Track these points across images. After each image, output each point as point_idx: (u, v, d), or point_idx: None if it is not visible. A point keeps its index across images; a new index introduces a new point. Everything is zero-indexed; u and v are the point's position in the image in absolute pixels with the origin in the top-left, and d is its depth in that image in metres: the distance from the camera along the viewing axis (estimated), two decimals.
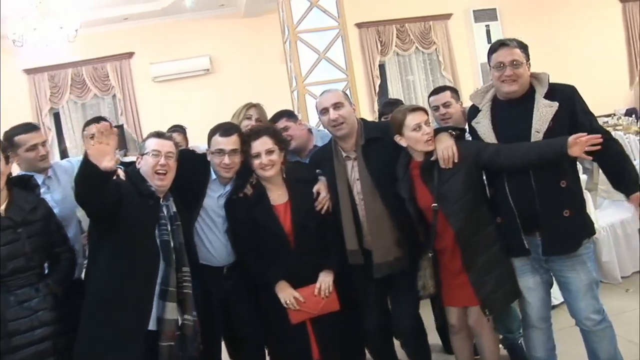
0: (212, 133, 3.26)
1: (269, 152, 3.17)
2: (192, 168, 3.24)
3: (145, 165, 2.98)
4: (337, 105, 3.22)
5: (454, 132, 3.11)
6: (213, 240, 3.28)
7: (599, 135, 2.77)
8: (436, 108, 3.91)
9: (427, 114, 3.15)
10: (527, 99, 2.98)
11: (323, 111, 3.27)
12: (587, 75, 8.89)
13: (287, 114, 3.93)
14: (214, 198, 3.30)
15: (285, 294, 3.15)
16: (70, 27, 7.05)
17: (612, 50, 10.89)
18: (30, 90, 9.21)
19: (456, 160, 3.01)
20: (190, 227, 3.18)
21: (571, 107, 2.94)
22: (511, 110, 3.01)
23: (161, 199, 2.98)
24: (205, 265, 3.23)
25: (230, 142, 3.19)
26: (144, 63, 9.36)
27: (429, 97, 4.07)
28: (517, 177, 2.95)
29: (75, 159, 3.64)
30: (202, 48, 9.45)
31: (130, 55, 9.43)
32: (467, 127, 3.26)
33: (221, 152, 3.19)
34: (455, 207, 3.01)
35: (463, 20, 10.34)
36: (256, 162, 3.17)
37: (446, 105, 3.87)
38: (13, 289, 2.73)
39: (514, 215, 2.98)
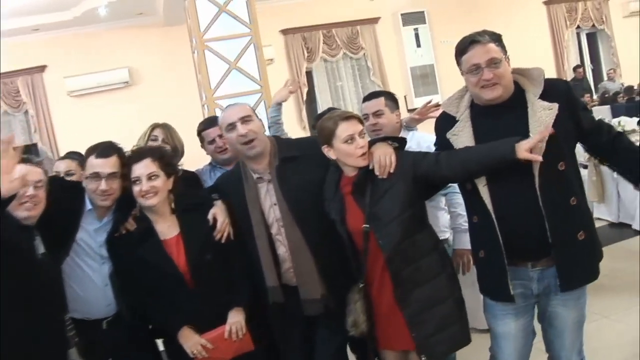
0: (88, 154, 2.83)
1: (152, 177, 2.75)
2: (62, 196, 2.79)
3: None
4: (245, 119, 2.80)
5: (392, 143, 2.72)
6: (88, 286, 2.82)
7: (549, 131, 2.36)
8: (366, 117, 3.38)
9: (362, 124, 2.74)
10: (515, 102, 2.51)
11: (229, 127, 2.82)
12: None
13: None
14: (90, 232, 2.85)
15: (191, 342, 2.73)
16: None
17: (539, 52, 10.97)
18: None
19: (392, 171, 2.61)
20: (58, 270, 2.74)
21: (572, 105, 2.50)
22: (498, 118, 2.52)
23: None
24: (77, 320, 2.75)
25: (107, 165, 2.76)
26: (57, 77, 8.91)
27: (362, 102, 3.60)
28: (509, 195, 2.48)
29: None
30: (120, 60, 9.05)
31: (42, 68, 8.96)
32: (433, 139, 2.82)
33: (97, 176, 2.75)
34: (388, 229, 2.61)
35: (391, 24, 10.23)
36: (136, 188, 2.75)
37: (377, 114, 3.36)
38: None
39: (498, 248, 2.51)
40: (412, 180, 2.60)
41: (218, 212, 2.87)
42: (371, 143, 2.74)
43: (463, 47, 2.48)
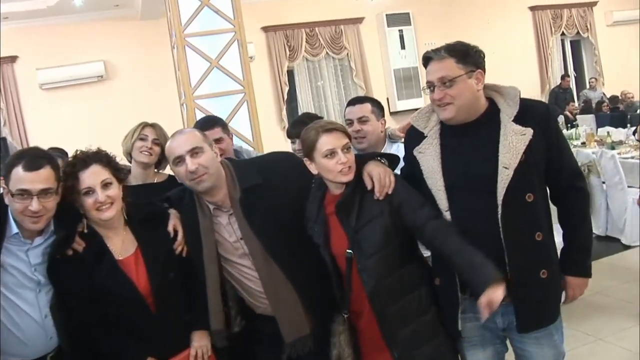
0: (12, 164, 2.28)
1: (106, 185, 2.38)
2: None
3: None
4: (194, 152, 2.47)
5: (383, 161, 2.48)
6: (22, 320, 2.33)
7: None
8: (350, 122, 3.15)
9: (348, 137, 2.47)
10: (487, 122, 2.31)
11: (177, 160, 2.49)
12: (501, 81, 8.70)
13: (222, 123, 3.27)
14: (18, 254, 2.34)
15: None
16: None
17: (523, 56, 10.94)
18: None
19: (389, 192, 2.37)
20: None
21: (549, 133, 2.30)
22: (466, 139, 2.33)
23: None
24: None
25: (39, 179, 2.25)
26: (29, 68, 8.55)
27: (346, 107, 3.33)
28: (470, 225, 2.29)
29: None
30: (95, 52, 8.73)
31: (13, 59, 8.59)
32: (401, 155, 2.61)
33: (25, 193, 2.23)
34: (370, 262, 2.37)
35: (375, 24, 10.06)
36: (89, 200, 2.35)
37: (362, 120, 3.12)
38: None
39: (453, 278, 2.36)
40: (397, 215, 2.37)
41: (178, 223, 2.58)
42: (361, 158, 2.53)
43: (424, 62, 2.33)
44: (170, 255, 2.52)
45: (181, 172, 2.50)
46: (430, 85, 2.28)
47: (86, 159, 2.41)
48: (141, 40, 8.72)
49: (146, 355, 2.44)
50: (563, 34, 11.69)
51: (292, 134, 3.34)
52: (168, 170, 3.22)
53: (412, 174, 2.46)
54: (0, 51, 8.31)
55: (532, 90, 10.77)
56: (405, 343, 2.38)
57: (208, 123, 3.23)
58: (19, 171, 2.24)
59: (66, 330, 2.41)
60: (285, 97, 9.30)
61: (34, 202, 2.22)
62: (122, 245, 2.46)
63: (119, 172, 2.47)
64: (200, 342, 2.54)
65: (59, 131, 7.77)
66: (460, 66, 2.24)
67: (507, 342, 2.50)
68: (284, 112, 9.12)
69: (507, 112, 2.28)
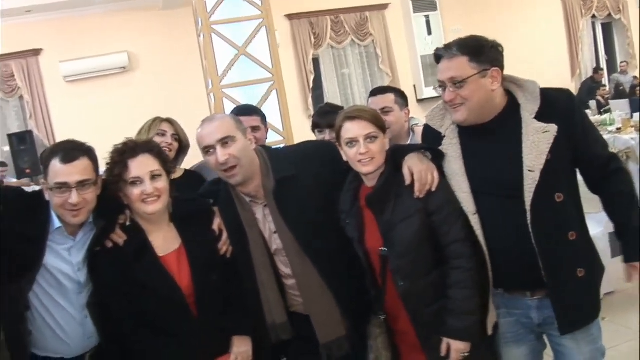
0: (48, 158, 2.23)
1: (155, 176, 2.26)
2: (20, 214, 2.23)
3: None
4: (226, 142, 2.33)
5: (427, 154, 2.31)
6: (63, 319, 2.28)
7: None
8: None
9: (375, 125, 2.30)
10: (507, 120, 2.15)
11: (207, 150, 2.36)
12: (529, 67, 8.40)
13: (262, 115, 3.17)
14: (61, 254, 2.28)
15: None
16: None
17: (553, 41, 10.68)
18: None
19: (433, 189, 2.22)
20: (19, 306, 2.21)
21: (573, 125, 2.13)
22: (486, 140, 2.17)
23: None
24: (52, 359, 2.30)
25: (77, 171, 2.19)
26: (53, 61, 8.50)
27: (369, 97, 3.26)
28: (499, 228, 2.17)
29: None
30: (118, 44, 8.66)
31: (37, 52, 8.56)
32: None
33: (64, 186, 2.18)
34: (402, 263, 2.24)
35: (401, 10, 9.86)
36: (136, 192, 2.23)
37: (385, 111, 3.01)
38: None
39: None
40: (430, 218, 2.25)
41: (222, 223, 2.44)
42: (400, 150, 2.39)
43: (435, 60, 2.20)
44: (214, 255, 2.39)
45: (212, 162, 2.38)
46: (442, 84, 2.14)
47: (136, 147, 2.29)
48: (164, 30, 8.64)
49: (183, 358, 2.34)
50: (594, 16, 11.37)
51: (321, 124, 3.23)
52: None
53: None
54: (25, 44, 8.35)
55: (562, 76, 10.52)
56: (441, 347, 2.24)
57: (248, 110, 3.14)
58: (56, 164, 2.18)
59: (104, 329, 2.32)
60: (311, 85, 9.15)
61: (72, 195, 2.16)
62: (164, 241, 2.34)
63: (169, 165, 2.36)
64: (240, 348, 2.40)
65: (84, 123, 7.75)
66: (473, 65, 2.09)
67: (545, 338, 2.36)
68: (310, 100, 8.99)
69: (528, 108, 2.13)
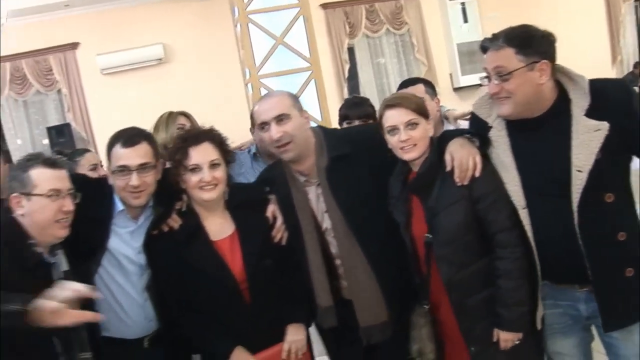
0: (111, 143, 2.38)
1: (214, 165, 2.32)
2: (85, 199, 2.28)
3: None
4: (281, 119, 2.37)
5: (472, 139, 2.27)
6: (125, 301, 2.39)
7: None
8: None
9: (415, 111, 2.30)
10: (557, 115, 2.06)
11: (262, 126, 2.43)
12: (569, 54, 8.25)
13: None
14: (124, 237, 2.40)
15: None
16: None
17: (593, 28, 10.41)
18: None
19: (477, 174, 2.17)
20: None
21: (628, 119, 2.00)
22: (533, 135, 2.09)
23: (44, 254, 2.12)
24: (114, 339, 2.38)
25: (137, 154, 2.33)
26: (90, 54, 8.55)
27: (397, 90, 3.29)
28: (547, 226, 2.10)
29: None
30: (154, 36, 8.65)
31: (74, 45, 8.61)
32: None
33: (125, 169, 2.31)
34: (446, 250, 2.21)
35: None
36: (194, 179, 2.31)
37: None
38: None
39: (535, 275, 2.20)
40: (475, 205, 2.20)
41: (277, 210, 2.46)
42: (447, 135, 2.34)
43: (482, 51, 2.12)
44: (267, 241, 2.41)
45: (266, 138, 2.44)
46: (487, 75, 2.07)
47: (199, 135, 2.37)
48: (199, 20, 8.61)
49: (234, 345, 2.33)
50: None
51: (351, 116, 3.24)
52: None
53: None
54: (62, 38, 8.42)
55: (602, 61, 10.27)
56: (484, 338, 2.21)
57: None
58: (118, 149, 2.34)
59: (161, 312, 2.42)
60: (347, 74, 9.08)
61: (133, 177, 2.30)
62: (218, 226, 2.39)
63: (228, 155, 2.42)
64: (294, 336, 2.40)
65: (121, 115, 7.77)
66: (521, 57, 2.01)
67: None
68: (345, 90, 8.92)
69: (579, 104, 2.03)
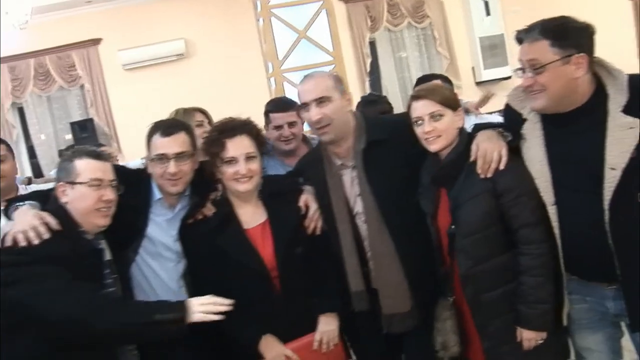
0: (151, 133, 2.49)
1: (250, 158, 2.36)
2: (127, 188, 2.37)
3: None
4: (321, 101, 2.40)
5: (505, 133, 2.25)
6: (160, 288, 2.44)
7: None
8: None
9: (440, 103, 2.30)
10: (593, 110, 2.01)
11: (303, 106, 2.48)
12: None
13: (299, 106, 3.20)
14: (161, 225, 2.47)
15: (274, 353, 2.31)
16: (17, 12, 6.26)
17: (620, 24, 10.21)
18: None
19: (502, 167, 2.15)
20: (127, 274, 2.38)
21: None
22: (568, 130, 2.04)
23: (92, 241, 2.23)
24: None
25: (175, 144, 2.42)
26: (112, 50, 8.60)
27: (414, 87, 3.29)
28: (576, 224, 2.07)
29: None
30: (175, 31, 8.66)
31: (97, 41, 8.66)
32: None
33: (163, 157, 2.40)
34: (465, 243, 2.19)
35: None
36: (230, 170, 2.34)
37: None
38: None
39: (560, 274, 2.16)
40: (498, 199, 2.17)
41: (310, 199, 2.48)
42: (479, 127, 2.31)
43: (517, 43, 2.06)
44: (299, 230, 2.42)
45: (306, 117, 2.48)
46: (521, 67, 2.02)
47: (235, 127, 2.39)
48: (220, 15, 8.61)
49: (263, 333, 2.33)
50: None
51: (364, 113, 3.23)
52: None
53: None
54: (85, 34, 8.47)
55: (629, 58, 10.11)
56: (498, 334, 2.20)
57: (284, 105, 3.15)
58: (157, 138, 2.44)
59: None
60: (368, 69, 9.03)
61: (171, 165, 2.38)
62: (250, 215, 2.43)
63: (263, 147, 2.46)
64: (326, 327, 2.39)
65: (143, 110, 7.77)
66: (556, 50, 1.95)
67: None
68: (367, 84, 8.88)
69: (616, 99, 1.97)
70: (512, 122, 2.25)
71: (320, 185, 2.49)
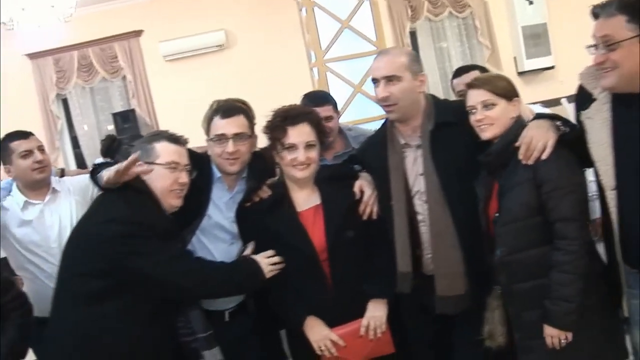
0: (211, 115, 2.60)
1: (309, 146, 2.41)
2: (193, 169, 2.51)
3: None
4: (390, 80, 2.41)
5: (562, 127, 2.21)
6: None
7: None
8: (462, 92, 3.12)
9: (492, 92, 2.29)
10: None
11: (374, 81, 2.50)
12: None
13: (333, 102, 3.22)
14: (220, 206, 2.57)
15: (319, 336, 2.33)
16: (63, 5, 6.36)
17: None
18: (35, 76, 8.65)
19: (544, 157, 2.12)
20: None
21: None
22: (637, 113, 1.97)
23: None
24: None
25: (234, 124, 2.53)
26: (153, 41, 8.69)
27: (452, 79, 3.36)
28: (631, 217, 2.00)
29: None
30: (215, 22, 8.71)
31: (138, 33, 8.76)
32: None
33: (222, 137, 2.52)
34: (503, 231, 2.18)
35: None
36: (289, 157, 2.40)
37: None
38: None
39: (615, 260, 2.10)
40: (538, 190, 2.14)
41: (365, 185, 2.48)
42: (537, 116, 2.28)
43: (593, 18, 1.98)
44: (352, 215, 2.43)
45: (376, 93, 2.50)
46: (595, 43, 1.96)
47: (298, 115, 2.44)
48: (261, 6, 8.59)
49: (309, 314, 2.36)
50: None
51: None
52: None
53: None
54: (126, 26, 8.56)
55: None
56: (529, 327, 2.17)
57: (320, 99, 3.16)
58: (217, 120, 2.56)
59: None
60: None
61: (229, 144, 2.50)
62: (304, 198, 2.47)
63: (324, 136, 2.50)
64: (374, 312, 2.39)
65: (183, 101, 7.88)
66: (632, 26, 1.88)
67: None
68: None
69: None
70: (581, 102, 2.17)
71: (381, 161, 2.50)
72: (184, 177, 2.36)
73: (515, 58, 9.25)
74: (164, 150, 2.35)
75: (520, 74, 9.12)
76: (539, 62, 9.16)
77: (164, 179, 2.33)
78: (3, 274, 2.39)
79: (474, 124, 2.30)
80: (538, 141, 2.13)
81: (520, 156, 2.15)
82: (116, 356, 2.15)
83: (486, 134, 2.28)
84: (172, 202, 2.35)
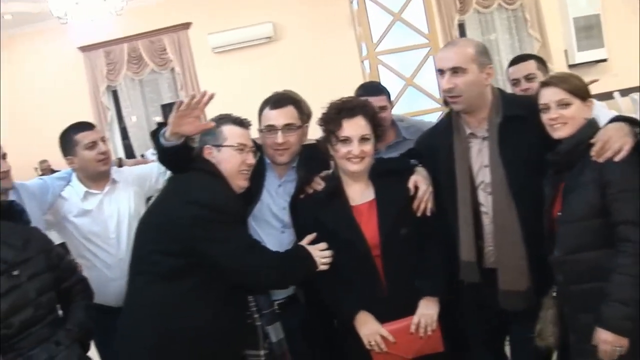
0: (262, 106, 2.61)
1: (364, 139, 2.37)
2: None
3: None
4: (455, 71, 2.36)
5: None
6: None
7: None
8: (516, 82, 3.15)
9: (568, 91, 2.24)
10: None
11: (439, 72, 2.45)
12: None
13: (387, 93, 3.18)
14: (271, 192, 2.60)
15: (369, 331, 2.31)
16: None
17: None
18: (86, 68, 8.85)
19: (617, 159, 2.07)
20: None
21: None
22: None
23: None
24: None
25: (283, 115, 2.54)
26: (201, 33, 8.78)
27: (508, 67, 3.23)
28: None
29: (50, 178, 3.02)
30: (263, 14, 8.77)
31: (187, 25, 8.89)
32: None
33: (272, 128, 2.53)
34: (563, 230, 2.13)
35: None
36: (343, 150, 2.36)
37: (529, 78, 3.07)
38: (26, 351, 2.04)
39: None
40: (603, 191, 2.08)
41: (420, 180, 2.43)
42: (615, 119, 2.22)
43: None
44: (406, 211, 2.40)
45: (440, 84, 2.51)
46: None
47: (354, 108, 2.41)
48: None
49: (360, 308, 2.35)
50: None
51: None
52: None
53: None
54: (175, 19, 8.67)
55: None
56: (584, 330, 2.09)
57: (375, 90, 3.13)
58: (267, 111, 2.57)
59: None
60: None
61: (279, 135, 2.51)
62: (359, 192, 2.44)
63: (379, 129, 2.46)
64: (426, 310, 2.35)
65: (231, 93, 7.92)
66: None
67: None
68: None
69: None
70: None
71: (446, 151, 2.46)
72: (251, 158, 2.40)
73: (566, 51, 9.07)
74: (231, 133, 2.38)
75: (571, 66, 8.93)
76: (591, 54, 8.95)
77: (233, 160, 2.36)
78: (67, 257, 2.43)
79: (547, 122, 2.24)
80: (615, 142, 2.08)
81: (593, 153, 2.10)
82: (191, 331, 2.20)
83: (559, 132, 2.22)
84: (240, 182, 2.38)
